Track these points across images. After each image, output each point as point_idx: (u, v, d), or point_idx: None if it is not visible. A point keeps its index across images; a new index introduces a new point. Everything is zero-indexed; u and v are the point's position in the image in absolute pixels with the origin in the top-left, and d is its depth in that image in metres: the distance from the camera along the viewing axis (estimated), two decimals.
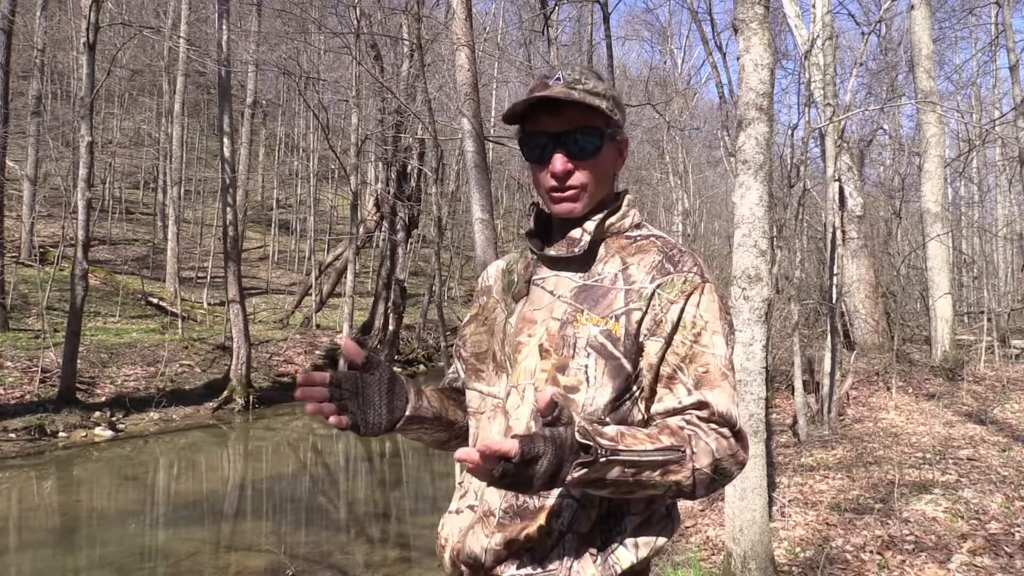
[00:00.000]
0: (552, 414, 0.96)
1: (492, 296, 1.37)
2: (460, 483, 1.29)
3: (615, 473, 1.00)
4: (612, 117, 1.24)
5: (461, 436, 1.36)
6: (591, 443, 0.97)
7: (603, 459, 0.99)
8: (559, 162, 1.21)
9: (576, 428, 0.97)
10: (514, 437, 0.94)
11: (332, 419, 1.10)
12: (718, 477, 1.10)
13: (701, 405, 1.12)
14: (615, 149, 1.28)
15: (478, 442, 1.27)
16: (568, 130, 1.21)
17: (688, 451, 1.06)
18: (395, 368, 1.25)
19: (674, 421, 1.11)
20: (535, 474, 0.95)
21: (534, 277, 1.29)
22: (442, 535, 1.27)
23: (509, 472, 0.93)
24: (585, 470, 0.97)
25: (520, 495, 1.16)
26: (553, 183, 1.23)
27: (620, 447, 1.01)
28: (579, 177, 1.22)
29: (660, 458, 1.03)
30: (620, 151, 1.30)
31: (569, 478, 0.97)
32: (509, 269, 1.37)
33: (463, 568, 1.20)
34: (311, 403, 1.09)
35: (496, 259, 1.48)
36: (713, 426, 1.11)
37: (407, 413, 1.21)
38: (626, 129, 1.34)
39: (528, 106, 1.23)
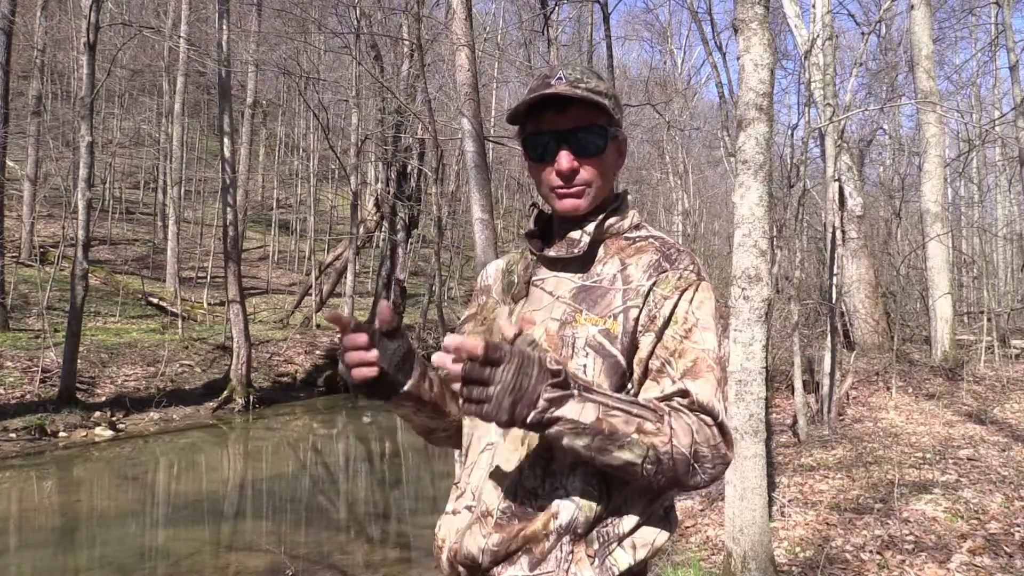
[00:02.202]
0: (513, 335, 1.02)
1: (491, 296, 1.37)
2: (456, 483, 1.29)
3: (590, 415, 1.02)
4: (614, 116, 1.24)
5: (450, 431, 1.36)
6: (561, 367, 1.02)
7: (575, 391, 1.03)
8: (565, 159, 1.21)
9: (547, 357, 1.02)
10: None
11: (356, 372, 1.12)
12: (696, 464, 1.07)
13: (683, 393, 1.12)
14: (616, 148, 1.29)
15: (470, 430, 1.28)
16: (573, 128, 1.21)
17: (666, 419, 1.07)
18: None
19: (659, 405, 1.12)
20: (501, 381, 0.97)
21: (533, 278, 1.29)
22: (439, 536, 1.26)
23: (479, 377, 0.97)
24: (559, 392, 1.01)
25: (517, 497, 1.16)
26: (559, 181, 1.23)
27: (594, 387, 1.06)
28: (584, 175, 1.23)
29: (635, 411, 1.06)
30: (620, 151, 1.30)
31: (541, 401, 1.00)
32: (509, 269, 1.37)
33: (460, 569, 1.20)
34: (353, 351, 1.11)
35: (496, 259, 1.48)
36: (696, 412, 1.11)
37: (406, 388, 1.21)
38: (626, 129, 1.34)
39: (530, 106, 1.22)
